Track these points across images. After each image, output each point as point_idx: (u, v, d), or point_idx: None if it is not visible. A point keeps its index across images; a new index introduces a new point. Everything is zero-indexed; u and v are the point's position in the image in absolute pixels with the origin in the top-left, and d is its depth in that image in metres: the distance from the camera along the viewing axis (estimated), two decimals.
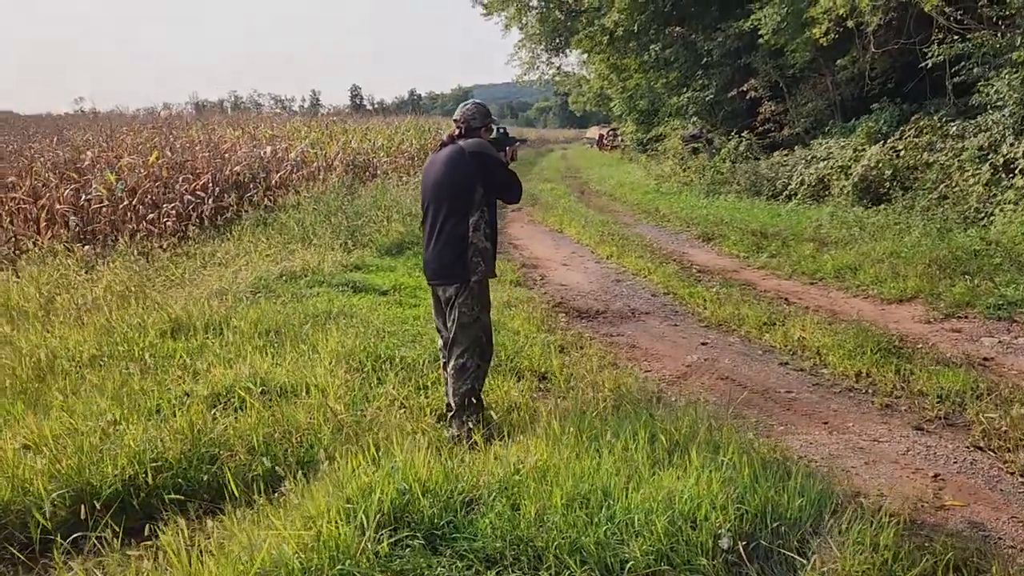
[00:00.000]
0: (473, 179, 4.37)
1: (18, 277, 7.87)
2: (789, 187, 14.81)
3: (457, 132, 4.55)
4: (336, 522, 2.94)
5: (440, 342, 4.73)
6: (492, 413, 4.47)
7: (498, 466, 3.67)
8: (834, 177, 13.74)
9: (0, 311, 6.95)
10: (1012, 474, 4.26)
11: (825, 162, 14.39)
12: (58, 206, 10.63)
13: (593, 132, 54.67)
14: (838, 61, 16.46)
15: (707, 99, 22.46)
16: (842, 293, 8.25)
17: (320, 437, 4.13)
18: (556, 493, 3.32)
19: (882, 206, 11.97)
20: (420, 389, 5.17)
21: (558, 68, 34.90)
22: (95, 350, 5.67)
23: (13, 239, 10.03)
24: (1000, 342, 6.39)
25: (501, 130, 4.87)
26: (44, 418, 4.14)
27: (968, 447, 4.61)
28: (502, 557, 3.08)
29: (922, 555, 3.13)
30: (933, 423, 4.95)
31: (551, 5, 29.96)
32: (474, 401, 4.39)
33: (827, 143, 15.36)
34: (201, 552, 2.87)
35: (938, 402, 5.18)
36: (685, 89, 23.69)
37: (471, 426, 4.26)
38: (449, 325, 4.52)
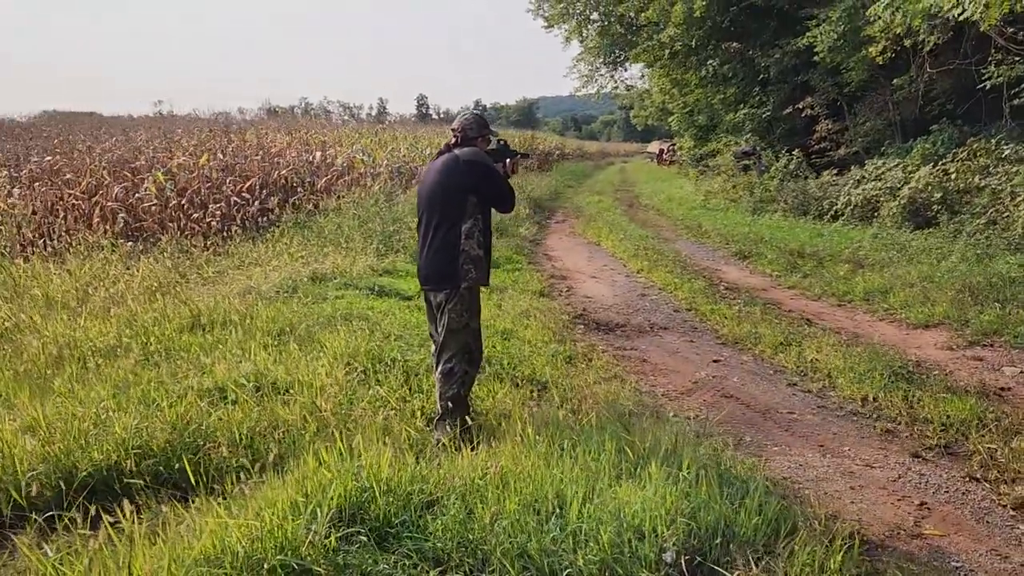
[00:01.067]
0: (466, 187, 4.44)
1: (59, 269, 8.22)
2: (835, 207, 14.53)
3: (454, 141, 4.64)
4: (284, 514, 3.03)
5: (433, 347, 4.81)
6: (470, 418, 4.48)
7: (466, 470, 3.73)
8: (883, 198, 13.44)
9: (40, 301, 7.28)
10: (1003, 507, 4.14)
11: (874, 183, 14.08)
12: (108, 203, 11.06)
13: (654, 146, 54.37)
14: (894, 80, 16.12)
15: (764, 116, 22.21)
16: (868, 316, 8.08)
17: (303, 433, 4.24)
18: (512, 499, 3.36)
19: (929, 229, 11.67)
20: (416, 392, 5.25)
21: (620, 82, 34.89)
22: (114, 341, 5.90)
23: (66, 233, 10.46)
24: (1022, 372, 6.18)
25: (501, 142, 4.94)
26: (44, 403, 4.34)
27: (964, 477, 4.49)
28: (449, 558, 3.14)
29: None
30: (932, 451, 4.83)
31: (611, 19, 30.02)
32: (453, 406, 4.44)
33: (879, 163, 15.02)
34: (154, 535, 3.00)
35: (941, 430, 5.05)
36: (742, 105, 23.47)
37: (448, 430, 4.33)
38: (439, 330, 4.60)
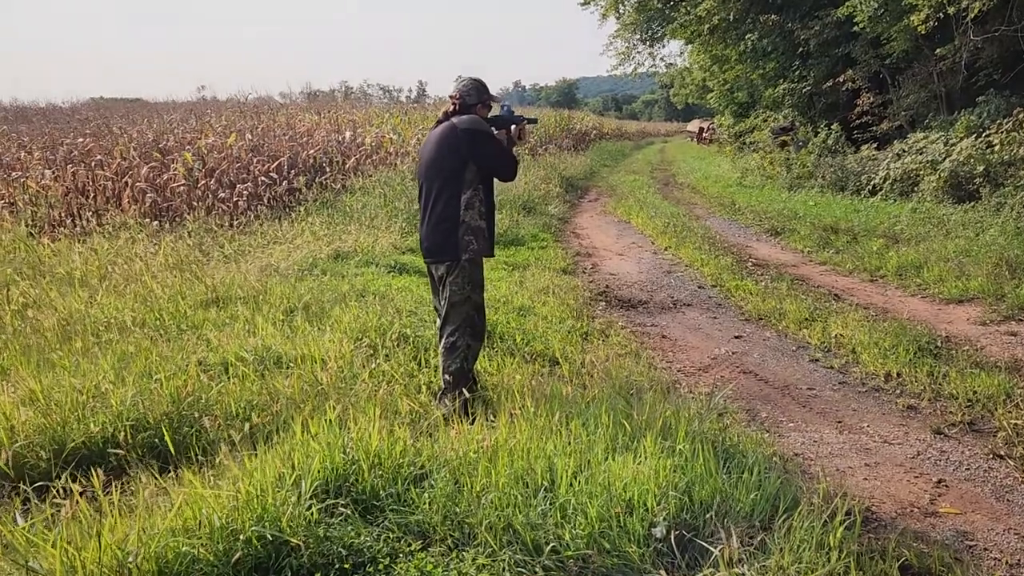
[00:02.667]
0: (464, 156, 4.33)
1: (82, 248, 8.31)
2: (873, 182, 14.12)
3: (452, 108, 4.52)
4: (264, 485, 2.98)
5: (439, 321, 4.73)
6: (467, 391, 4.36)
7: (459, 443, 3.65)
8: (923, 172, 13.00)
9: (62, 278, 7.32)
10: None
11: (914, 156, 13.63)
12: (137, 184, 11.17)
13: (694, 125, 53.55)
14: (937, 51, 15.56)
15: (804, 90, 21.66)
16: (900, 291, 7.81)
17: (302, 407, 4.19)
18: (502, 472, 3.27)
19: (970, 204, 11.25)
20: (424, 367, 5.18)
21: (660, 59, 34.19)
22: (129, 317, 5.92)
23: (93, 214, 10.60)
24: None
25: (505, 107, 4.82)
26: (44, 376, 4.35)
27: (987, 454, 4.29)
28: (434, 532, 3.07)
29: (873, 557, 2.95)
30: (955, 427, 4.63)
31: None
32: (454, 380, 4.36)
33: (920, 136, 14.53)
34: (133, 506, 2.97)
35: (966, 406, 4.84)
36: (782, 80, 22.91)
37: (450, 403, 4.25)
38: (442, 303, 4.52)
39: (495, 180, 4.58)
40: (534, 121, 5.35)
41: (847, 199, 14.14)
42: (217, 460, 3.44)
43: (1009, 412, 4.63)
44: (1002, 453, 4.27)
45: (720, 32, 24.49)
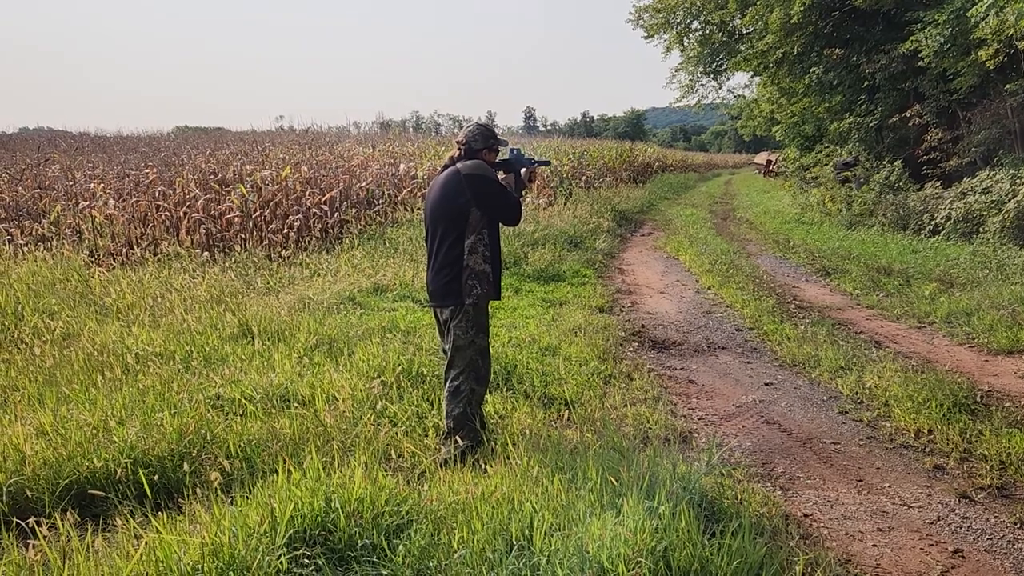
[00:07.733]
0: (467, 200, 4.34)
1: (128, 277, 8.57)
2: (934, 221, 13.64)
3: (458, 153, 4.55)
4: (233, 531, 2.99)
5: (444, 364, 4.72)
6: (463, 439, 4.33)
7: (446, 492, 3.62)
8: (987, 213, 12.50)
9: (105, 308, 7.55)
10: None
11: (979, 196, 13.12)
12: (193, 215, 11.53)
13: (761, 157, 52.72)
14: (1007, 86, 15.03)
15: (871, 125, 21.16)
16: (947, 340, 7.47)
17: (303, 447, 4.21)
18: (478, 528, 3.22)
19: None
20: (439, 408, 5.15)
21: (727, 91, 33.95)
22: (160, 349, 6.08)
23: (152, 243, 10.97)
24: None
25: (514, 151, 4.81)
26: (61, 408, 4.48)
27: (1014, 523, 4.04)
28: None
29: None
30: (983, 492, 4.39)
31: (712, 26, 29.29)
32: (456, 425, 4.34)
33: (985, 175, 13.99)
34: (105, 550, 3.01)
35: (999, 469, 4.59)
36: (848, 114, 22.44)
37: (452, 448, 4.22)
38: (446, 347, 4.52)
39: (499, 224, 4.59)
40: (547, 163, 5.35)
41: (906, 239, 13.68)
42: (187, 505, 3.46)
43: None
44: None
45: (787, 65, 24.19)
